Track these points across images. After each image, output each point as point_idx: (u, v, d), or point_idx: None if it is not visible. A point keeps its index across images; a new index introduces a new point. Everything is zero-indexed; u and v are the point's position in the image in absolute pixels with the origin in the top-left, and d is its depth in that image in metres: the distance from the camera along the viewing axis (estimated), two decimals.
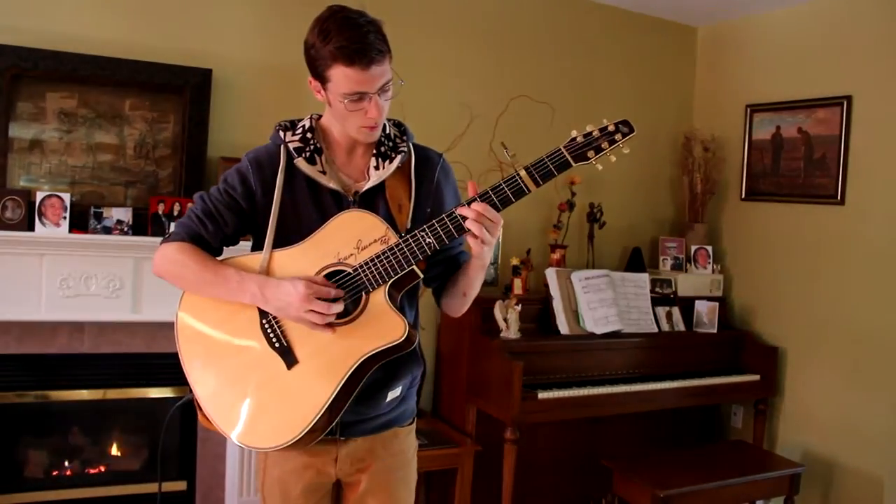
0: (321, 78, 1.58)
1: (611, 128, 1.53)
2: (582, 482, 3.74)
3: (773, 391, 3.88)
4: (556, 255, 3.79)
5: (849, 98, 3.62)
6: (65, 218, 2.85)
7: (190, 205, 1.72)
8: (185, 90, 3.10)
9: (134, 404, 3.20)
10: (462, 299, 1.74)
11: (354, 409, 1.65)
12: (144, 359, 3.14)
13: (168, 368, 3.18)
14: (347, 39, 1.50)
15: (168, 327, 3.11)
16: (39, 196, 2.83)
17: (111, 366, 3.10)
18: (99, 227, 2.91)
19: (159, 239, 2.89)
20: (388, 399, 1.70)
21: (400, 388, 1.71)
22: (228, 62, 3.24)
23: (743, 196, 4.15)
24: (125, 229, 2.94)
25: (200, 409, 1.65)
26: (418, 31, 3.62)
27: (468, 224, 1.51)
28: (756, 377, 3.84)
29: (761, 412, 3.87)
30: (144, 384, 3.16)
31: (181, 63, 3.10)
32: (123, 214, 2.95)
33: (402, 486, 1.79)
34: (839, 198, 3.65)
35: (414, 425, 1.84)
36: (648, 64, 4.29)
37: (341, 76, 1.53)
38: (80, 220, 2.92)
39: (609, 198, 4.07)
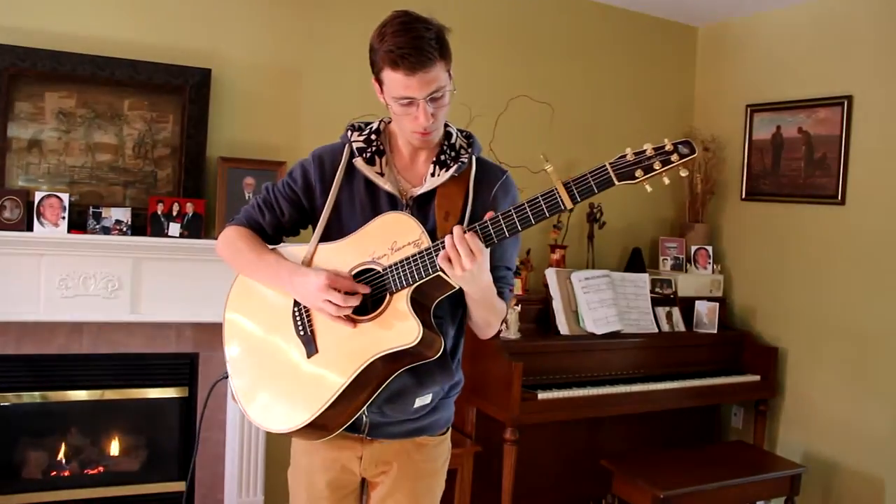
0: (378, 80, 1.60)
1: (668, 147, 1.43)
2: (582, 482, 3.73)
3: (774, 392, 3.87)
4: (555, 256, 3.78)
5: (849, 98, 3.61)
6: (63, 218, 2.84)
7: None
8: (184, 90, 3.09)
9: (132, 405, 3.19)
10: (472, 322, 1.74)
11: (382, 411, 1.68)
12: (143, 359, 3.13)
13: (167, 368, 3.18)
14: (397, 44, 1.51)
15: (166, 327, 3.12)
16: (38, 196, 2.82)
17: (110, 366, 3.09)
18: (98, 227, 2.91)
19: (157, 239, 2.93)
20: (417, 405, 1.70)
21: (430, 396, 1.71)
22: (227, 62, 3.24)
23: (743, 196, 4.14)
24: (124, 229, 2.93)
25: (231, 387, 1.73)
26: None
27: (444, 242, 1.48)
28: (756, 378, 3.83)
29: (762, 413, 3.87)
30: (143, 384, 3.16)
31: (180, 63, 3.10)
32: (122, 214, 2.94)
33: (426, 494, 1.79)
34: (840, 198, 3.64)
35: (447, 435, 1.83)
36: (648, 64, 4.28)
37: (391, 79, 1.55)
38: (79, 220, 2.91)
39: (609, 198, 4.05)
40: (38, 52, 2.86)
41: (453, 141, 1.70)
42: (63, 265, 2.87)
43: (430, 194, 1.66)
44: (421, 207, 1.67)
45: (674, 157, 1.43)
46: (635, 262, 4.06)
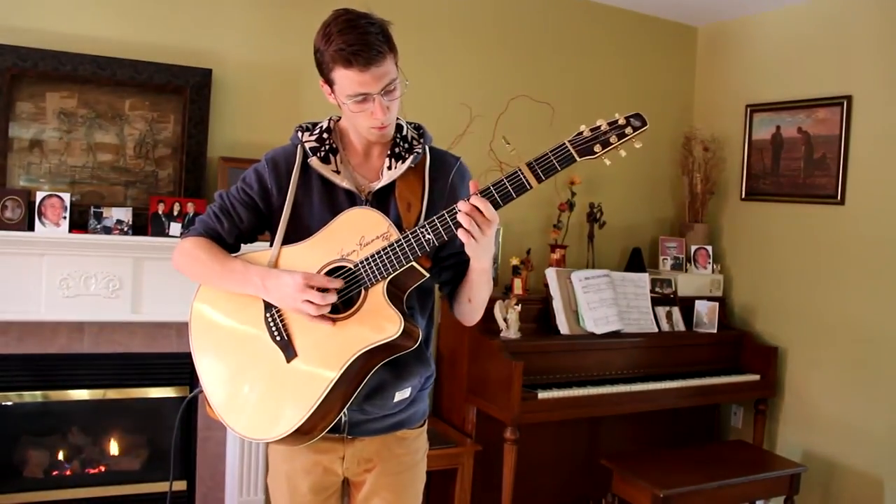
0: (328, 81, 1.61)
1: (621, 121, 1.50)
2: (582, 482, 3.73)
3: (773, 391, 3.88)
4: (556, 255, 3.79)
5: (849, 98, 3.62)
6: (65, 218, 2.85)
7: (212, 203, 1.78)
8: (185, 90, 3.10)
9: (133, 404, 3.19)
10: (468, 306, 1.74)
11: (362, 409, 1.68)
12: (144, 359, 3.14)
13: (168, 368, 3.18)
14: (346, 42, 1.52)
15: (167, 327, 3.12)
16: (39, 196, 2.83)
17: (111, 366, 3.10)
18: (99, 226, 2.91)
19: (158, 239, 2.94)
20: (397, 399, 1.70)
21: (409, 389, 1.71)
22: (228, 62, 3.24)
23: (743, 196, 4.15)
24: (125, 229, 2.94)
25: (207, 401, 1.69)
26: (418, 30, 3.62)
27: (458, 217, 1.50)
28: (756, 377, 3.84)
29: (761, 412, 3.87)
30: (144, 384, 3.16)
31: (181, 63, 3.10)
32: (123, 214, 2.95)
33: (409, 487, 1.80)
34: (839, 198, 3.65)
35: (424, 427, 1.85)
36: (648, 64, 4.28)
37: (343, 78, 1.56)
38: (80, 220, 2.92)
39: (609, 198, 4.07)
40: (39, 53, 2.87)
41: (405, 133, 1.72)
42: (64, 265, 2.88)
43: (389, 187, 1.68)
44: (381, 201, 1.68)
45: (628, 130, 1.51)
46: (635, 261, 4.06)
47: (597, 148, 1.50)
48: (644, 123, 1.51)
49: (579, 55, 4.08)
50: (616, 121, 1.51)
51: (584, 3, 4.07)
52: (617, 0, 4.07)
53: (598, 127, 1.51)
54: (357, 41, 1.51)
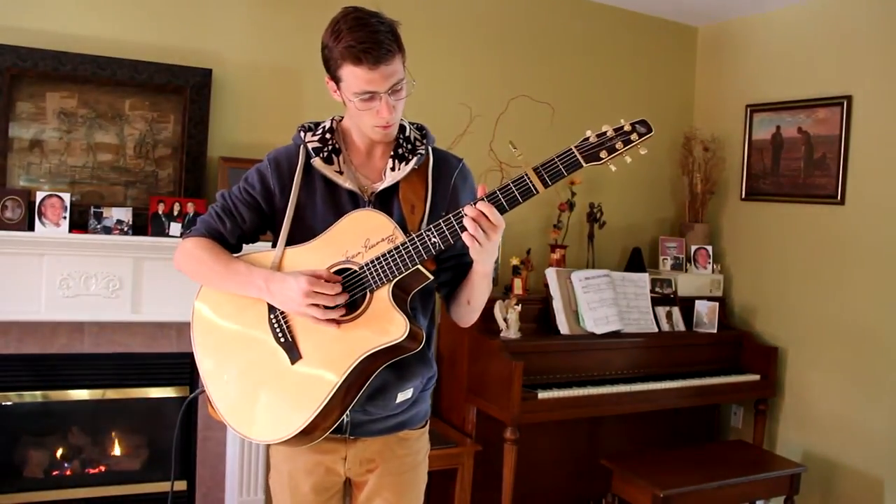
0: (335, 78, 1.60)
1: (627, 127, 1.50)
2: (582, 482, 3.73)
3: (774, 391, 3.88)
4: (556, 255, 3.79)
5: (849, 98, 3.62)
6: (65, 218, 2.85)
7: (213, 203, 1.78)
8: (185, 90, 3.10)
9: (133, 404, 3.20)
10: (466, 308, 1.73)
11: (364, 409, 1.68)
12: (144, 359, 3.14)
13: (168, 368, 3.18)
14: (356, 39, 1.52)
15: (167, 327, 3.12)
16: (39, 196, 2.83)
17: (111, 366, 3.10)
18: (99, 226, 2.91)
19: (158, 239, 2.94)
20: (399, 400, 1.70)
21: (411, 390, 1.71)
22: (228, 62, 3.24)
23: (743, 196, 4.15)
24: (125, 229, 2.94)
25: (210, 401, 1.69)
26: (418, 30, 3.61)
27: (465, 221, 1.50)
28: (756, 377, 3.84)
29: (761, 412, 3.87)
30: (144, 384, 3.16)
31: (181, 63, 3.11)
32: (123, 214, 2.95)
33: (411, 488, 1.80)
34: (839, 198, 3.65)
35: (426, 428, 1.85)
36: (648, 64, 4.28)
37: (351, 76, 1.55)
38: (80, 220, 2.92)
39: (609, 198, 4.07)
40: (39, 53, 2.87)
41: (408, 133, 1.72)
42: (64, 265, 2.88)
43: (392, 188, 1.68)
44: (384, 202, 1.67)
45: (633, 137, 1.50)
46: (635, 261, 4.06)
47: (603, 154, 1.50)
48: (649, 130, 1.51)
49: (579, 55, 4.08)
50: (622, 127, 1.51)
51: (583, 3, 4.07)
52: (617, 0, 4.08)
53: (604, 133, 1.51)
54: (367, 39, 1.52)
